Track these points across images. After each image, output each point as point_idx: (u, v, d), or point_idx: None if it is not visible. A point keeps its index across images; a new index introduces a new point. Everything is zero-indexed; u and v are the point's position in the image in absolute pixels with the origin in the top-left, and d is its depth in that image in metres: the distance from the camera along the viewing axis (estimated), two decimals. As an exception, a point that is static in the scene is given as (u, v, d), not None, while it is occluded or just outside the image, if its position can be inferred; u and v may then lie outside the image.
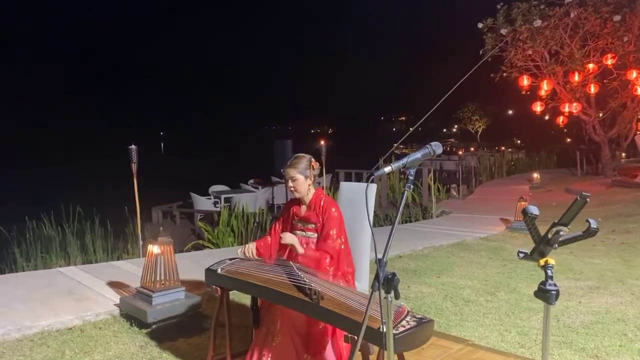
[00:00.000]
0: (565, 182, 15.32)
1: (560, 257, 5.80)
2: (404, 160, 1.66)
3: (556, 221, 1.40)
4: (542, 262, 1.44)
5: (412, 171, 1.67)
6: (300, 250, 2.72)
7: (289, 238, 2.74)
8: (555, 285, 1.40)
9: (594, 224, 1.41)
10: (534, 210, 1.43)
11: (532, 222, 1.43)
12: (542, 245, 1.43)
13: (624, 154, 16.85)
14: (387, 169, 1.63)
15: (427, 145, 1.69)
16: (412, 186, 1.64)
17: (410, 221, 10.13)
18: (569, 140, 23.81)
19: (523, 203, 7.94)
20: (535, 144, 27.93)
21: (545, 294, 1.39)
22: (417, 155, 1.67)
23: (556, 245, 1.42)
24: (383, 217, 10.32)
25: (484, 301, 4.25)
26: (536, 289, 1.44)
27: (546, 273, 1.41)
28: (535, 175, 15.28)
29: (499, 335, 3.49)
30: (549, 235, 1.41)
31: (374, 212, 9.79)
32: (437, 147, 1.70)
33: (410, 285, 4.75)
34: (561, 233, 1.40)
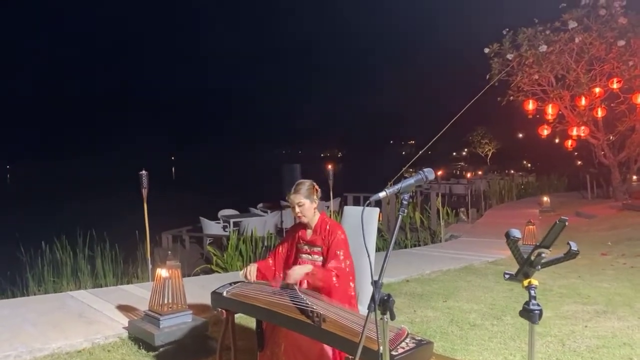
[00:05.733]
0: (576, 205, 15.23)
1: (569, 281, 5.78)
2: (398, 186, 1.74)
3: (538, 244, 1.46)
4: (525, 283, 1.50)
5: (407, 196, 1.75)
6: (308, 268, 2.72)
7: (297, 272, 2.69)
8: (538, 305, 1.46)
9: (574, 247, 1.47)
10: (516, 233, 1.50)
11: (514, 244, 1.49)
12: (526, 267, 1.50)
13: (635, 177, 16.73)
14: (382, 194, 1.71)
15: (419, 172, 1.78)
16: (405, 210, 1.71)
17: (419, 245, 10.13)
18: (579, 163, 23.71)
19: (531, 227, 7.94)
20: (545, 167, 27.84)
21: (529, 313, 1.45)
22: (411, 181, 1.75)
23: (539, 267, 1.49)
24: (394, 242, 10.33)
25: (490, 325, 4.25)
26: (521, 309, 1.50)
27: (530, 293, 1.47)
28: (545, 198, 15.21)
29: (503, 359, 3.49)
30: (532, 257, 1.47)
31: (382, 235, 9.86)
32: (429, 173, 1.78)
33: (417, 310, 4.76)
34: (543, 255, 1.46)
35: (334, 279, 2.70)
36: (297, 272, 2.70)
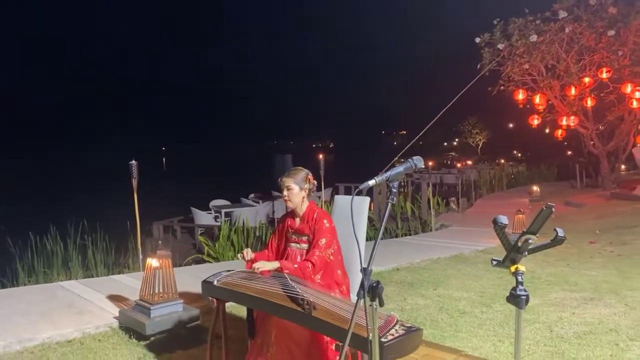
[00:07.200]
0: (565, 194, 15.37)
1: (557, 269, 5.85)
2: (388, 174, 1.75)
3: (525, 230, 1.48)
4: (512, 269, 1.52)
5: (396, 184, 1.76)
6: (275, 265, 2.75)
7: (264, 265, 2.75)
8: (525, 290, 1.48)
9: (560, 233, 1.49)
10: (503, 219, 1.52)
11: (502, 231, 1.51)
12: (513, 253, 1.52)
13: (623, 167, 16.92)
14: (371, 182, 1.72)
15: (409, 160, 1.79)
16: (395, 198, 1.72)
17: (410, 234, 10.18)
18: (569, 153, 23.92)
19: (520, 216, 8.00)
20: (535, 157, 28.06)
21: (516, 299, 1.47)
22: (400, 169, 1.76)
23: (526, 253, 1.50)
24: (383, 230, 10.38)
25: (479, 312, 4.30)
26: (508, 294, 1.52)
27: (516, 279, 1.49)
28: (535, 188, 15.33)
29: (492, 345, 3.53)
30: (519, 244, 1.49)
31: (373, 225, 9.90)
32: (418, 161, 1.79)
33: (407, 298, 4.80)
34: (530, 241, 1.48)
35: (310, 268, 2.72)
36: (264, 265, 2.74)
